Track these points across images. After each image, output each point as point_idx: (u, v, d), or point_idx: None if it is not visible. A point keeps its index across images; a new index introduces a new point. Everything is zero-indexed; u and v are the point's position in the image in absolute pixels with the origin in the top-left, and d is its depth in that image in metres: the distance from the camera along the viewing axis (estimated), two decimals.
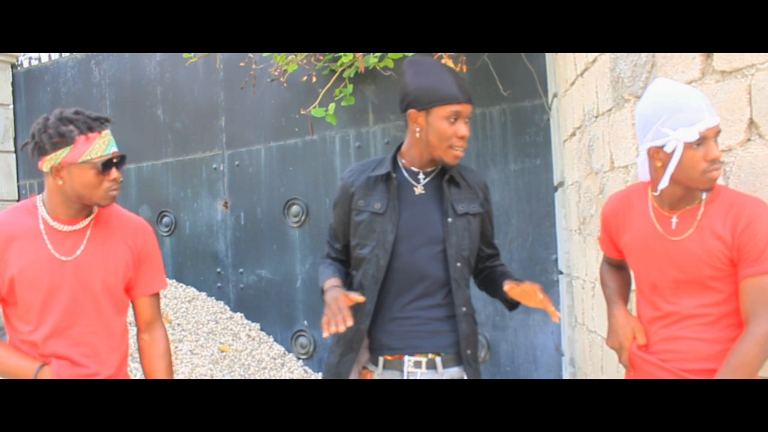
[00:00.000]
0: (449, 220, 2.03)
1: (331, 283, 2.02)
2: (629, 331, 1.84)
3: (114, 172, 1.86)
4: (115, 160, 1.86)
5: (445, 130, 1.97)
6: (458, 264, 2.03)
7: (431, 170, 2.10)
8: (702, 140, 1.63)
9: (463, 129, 1.99)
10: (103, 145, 1.83)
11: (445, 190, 2.05)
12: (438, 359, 2.03)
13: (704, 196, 1.72)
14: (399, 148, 2.15)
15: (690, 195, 1.73)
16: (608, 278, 2.01)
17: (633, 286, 2.00)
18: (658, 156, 1.69)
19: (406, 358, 2.02)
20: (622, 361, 1.87)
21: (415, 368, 2.02)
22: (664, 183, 1.70)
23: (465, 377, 2.05)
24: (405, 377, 2.02)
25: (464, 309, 2.05)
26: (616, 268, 2.02)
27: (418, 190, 2.08)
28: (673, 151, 1.65)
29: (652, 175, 1.76)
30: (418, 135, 2.02)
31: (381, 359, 2.06)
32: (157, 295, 2.08)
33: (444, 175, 2.08)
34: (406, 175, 2.09)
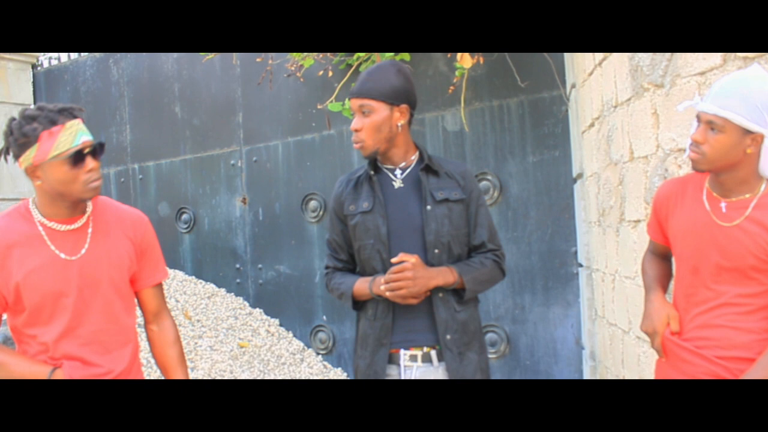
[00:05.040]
0: (428, 207, 2.09)
1: (365, 278, 2.12)
2: (664, 317, 1.84)
3: (89, 163, 1.76)
4: (87, 150, 1.77)
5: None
6: (436, 250, 2.08)
7: (406, 164, 2.17)
8: None
9: (355, 122, 2.10)
10: (69, 137, 1.74)
11: (422, 180, 2.12)
12: (433, 352, 2.07)
13: (762, 188, 1.71)
14: None
15: (747, 184, 1.71)
16: (649, 266, 2.01)
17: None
18: (755, 141, 1.67)
19: (402, 351, 2.08)
20: (654, 346, 1.87)
21: (410, 362, 2.07)
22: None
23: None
24: (402, 371, 2.07)
25: (440, 295, 2.08)
26: (659, 257, 2.02)
27: (397, 183, 2.15)
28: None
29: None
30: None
31: None
32: (160, 285, 2.07)
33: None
34: (386, 172, 2.17)
